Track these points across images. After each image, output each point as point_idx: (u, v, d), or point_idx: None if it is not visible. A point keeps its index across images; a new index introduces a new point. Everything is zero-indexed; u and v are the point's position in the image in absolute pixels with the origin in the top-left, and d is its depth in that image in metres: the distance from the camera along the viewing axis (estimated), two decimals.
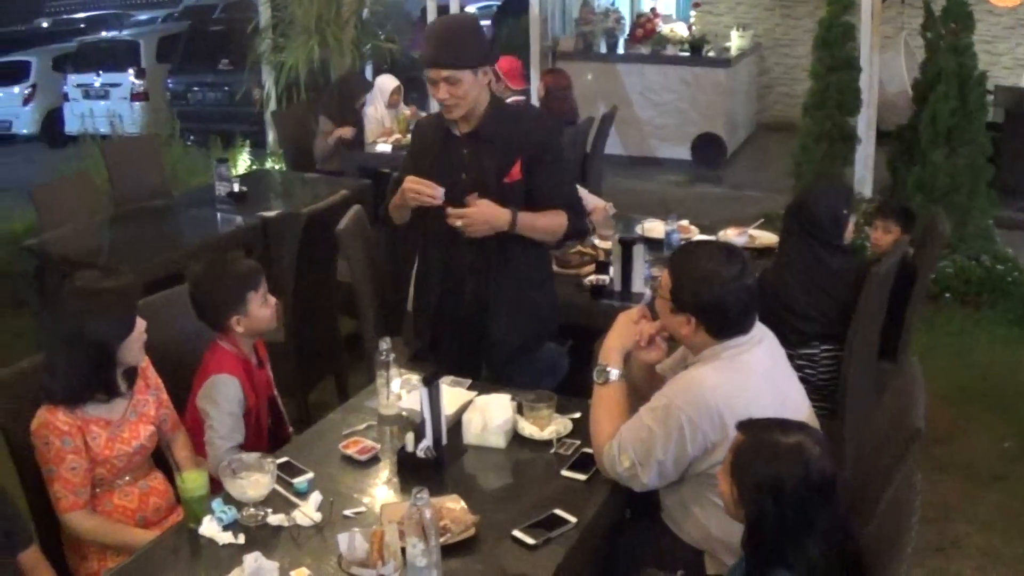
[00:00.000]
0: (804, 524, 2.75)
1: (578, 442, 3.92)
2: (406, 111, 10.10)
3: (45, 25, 26.20)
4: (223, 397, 4.13)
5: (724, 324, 3.48)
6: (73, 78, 17.73)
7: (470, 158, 4.64)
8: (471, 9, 16.57)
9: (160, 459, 4.10)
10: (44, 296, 7.12)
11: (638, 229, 6.40)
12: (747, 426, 2.95)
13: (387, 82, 9.95)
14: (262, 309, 4.26)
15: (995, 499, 5.78)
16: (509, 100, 8.88)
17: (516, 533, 3.35)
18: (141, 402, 3.99)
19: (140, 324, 3.89)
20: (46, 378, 3.77)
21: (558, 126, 4.84)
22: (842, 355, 5.07)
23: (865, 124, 10.23)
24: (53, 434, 3.68)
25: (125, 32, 20.50)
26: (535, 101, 9.47)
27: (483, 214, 4.48)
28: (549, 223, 4.69)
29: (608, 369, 3.71)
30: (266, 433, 4.40)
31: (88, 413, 3.78)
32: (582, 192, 6.84)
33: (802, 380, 3.79)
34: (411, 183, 4.49)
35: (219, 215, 7.84)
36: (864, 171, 10.40)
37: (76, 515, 3.74)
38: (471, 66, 4.43)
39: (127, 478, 3.94)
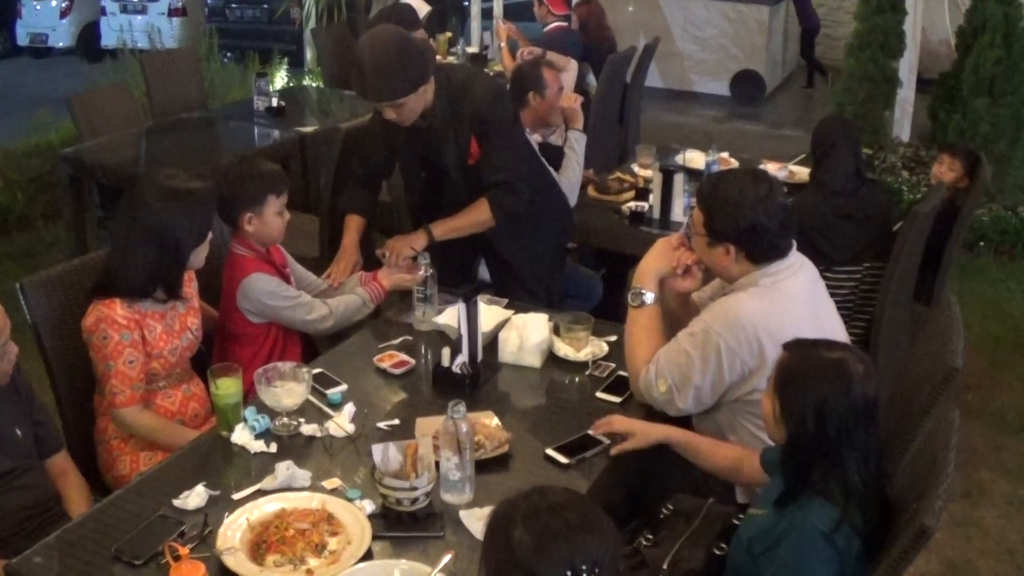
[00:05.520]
0: (844, 444, 2.74)
1: (613, 365, 3.93)
2: (447, 34, 10.12)
3: None
4: (265, 286, 4.19)
5: (762, 246, 3.45)
6: None
7: (430, 150, 4.67)
8: None
9: (199, 369, 4.10)
10: (78, 205, 7.15)
11: (678, 159, 6.37)
12: (792, 344, 2.94)
13: (421, 7, 9.93)
14: (276, 218, 4.24)
15: (1022, 448, 5.75)
16: (549, 26, 8.88)
17: (549, 452, 3.36)
18: (188, 294, 3.99)
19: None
20: (109, 272, 3.77)
21: (503, 94, 4.77)
22: (878, 279, 5.19)
23: (907, 68, 10.12)
24: (112, 328, 3.68)
25: None
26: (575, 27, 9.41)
27: (400, 246, 4.56)
28: (467, 221, 4.71)
29: (643, 292, 3.69)
30: (299, 343, 4.42)
31: (144, 307, 3.78)
32: (552, 56, 6.89)
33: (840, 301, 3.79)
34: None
35: (256, 129, 7.86)
36: (903, 115, 10.30)
37: (132, 410, 3.75)
38: (408, 93, 4.35)
39: (172, 379, 3.94)
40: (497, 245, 4.92)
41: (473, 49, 10.86)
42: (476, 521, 2.97)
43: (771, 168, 6.37)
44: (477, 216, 4.69)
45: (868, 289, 5.30)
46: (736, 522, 3.17)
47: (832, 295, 3.69)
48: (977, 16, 9.40)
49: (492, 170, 4.66)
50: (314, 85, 11.48)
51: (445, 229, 4.64)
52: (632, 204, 5.71)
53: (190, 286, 4.03)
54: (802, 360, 2.86)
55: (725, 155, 6.48)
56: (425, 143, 4.65)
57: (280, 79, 12.36)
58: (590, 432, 3.46)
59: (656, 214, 5.56)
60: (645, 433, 3.45)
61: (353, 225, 4.88)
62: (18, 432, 3.47)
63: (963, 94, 9.35)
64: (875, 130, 9.90)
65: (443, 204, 4.77)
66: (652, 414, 3.63)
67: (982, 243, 8.53)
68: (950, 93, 9.63)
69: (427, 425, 3.38)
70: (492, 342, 3.99)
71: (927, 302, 5.61)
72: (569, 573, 2.03)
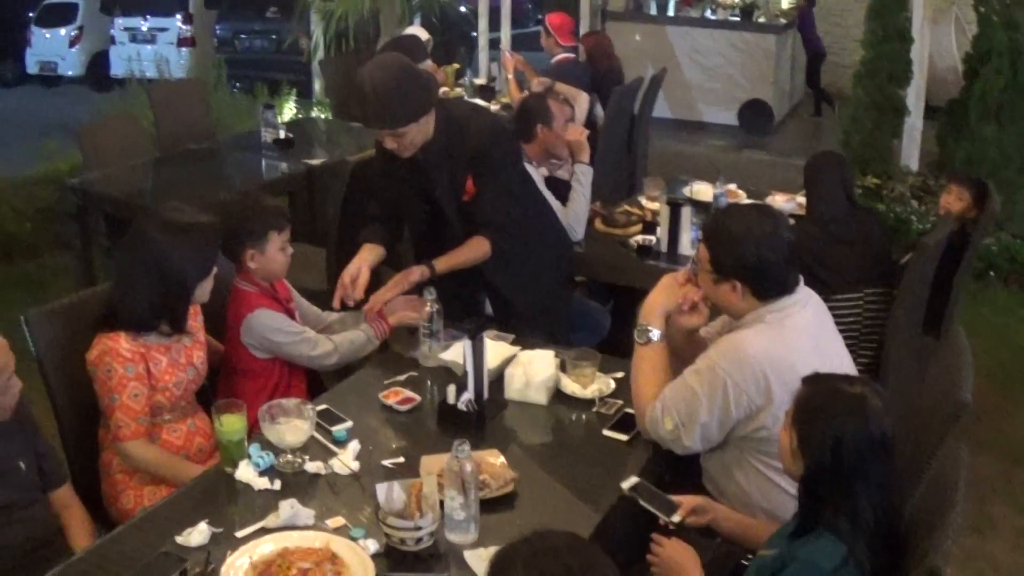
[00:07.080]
0: (859, 478, 2.74)
1: (620, 402, 3.91)
2: (455, 65, 10.17)
3: None
4: (269, 321, 4.18)
5: (768, 283, 3.45)
6: (120, 21, 17.80)
7: (426, 183, 4.63)
8: None
9: (204, 403, 4.08)
10: (85, 235, 7.15)
11: (686, 191, 6.35)
12: (812, 378, 2.94)
13: (420, 34, 9.92)
14: (278, 253, 4.23)
15: None
16: (557, 58, 8.89)
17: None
18: (193, 328, 3.98)
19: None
20: (113, 305, 3.76)
21: (504, 135, 4.73)
22: (881, 307, 5.24)
23: (915, 96, 10.12)
24: (116, 361, 3.67)
25: None
26: (583, 59, 9.44)
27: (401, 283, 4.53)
28: (468, 256, 4.67)
29: (649, 329, 3.67)
30: (304, 378, 4.40)
31: (149, 341, 3.78)
32: (561, 87, 6.90)
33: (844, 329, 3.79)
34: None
35: (264, 161, 7.83)
36: (911, 143, 10.30)
37: (137, 444, 3.73)
38: (410, 122, 4.32)
39: (177, 413, 3.92)
40: (495, 281, 4.89)
41: (481, 80, 10.86)
42: (481, 561, 2.94)
43: (779, 200, 6.36)
44: (477, 251, 4.67)
45: (872, 317, 5.28)
46: (744, 563, 3.15)
47: (835, 324, 3.68)
48: (983, 42, 9.41)
49: (490, 210, 4.63)
50: (322, 116, 11.51)
51: (446, 264, 4.60)
52: (639, 237, 5.70)
53: (195, 320, 4.02)
54: (822, 393, 2.86)
55: (733, 187, 6.47)
56: (420, 177, 4.62)
57: (289, 110, 12.40)
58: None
59: (664, 247, 5.55)
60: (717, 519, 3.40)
61: (364, 250, 4.76)
62: (22, 465, 3.46)
63: (970, 121, 9.35)
64: (883, 159, 9.91)
65: (443, 239, 4.73)
66: (659, 451, 3.61)
67: (992, 272, 8.49)
68: (958, 120, 9.63)
69: (432, 463, 3.35)
70: (498, 378, 3.97)
71: (937, 333, 5.58)
72: None
